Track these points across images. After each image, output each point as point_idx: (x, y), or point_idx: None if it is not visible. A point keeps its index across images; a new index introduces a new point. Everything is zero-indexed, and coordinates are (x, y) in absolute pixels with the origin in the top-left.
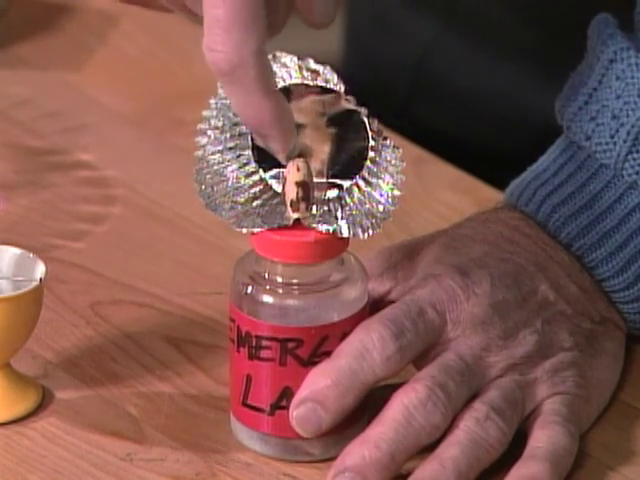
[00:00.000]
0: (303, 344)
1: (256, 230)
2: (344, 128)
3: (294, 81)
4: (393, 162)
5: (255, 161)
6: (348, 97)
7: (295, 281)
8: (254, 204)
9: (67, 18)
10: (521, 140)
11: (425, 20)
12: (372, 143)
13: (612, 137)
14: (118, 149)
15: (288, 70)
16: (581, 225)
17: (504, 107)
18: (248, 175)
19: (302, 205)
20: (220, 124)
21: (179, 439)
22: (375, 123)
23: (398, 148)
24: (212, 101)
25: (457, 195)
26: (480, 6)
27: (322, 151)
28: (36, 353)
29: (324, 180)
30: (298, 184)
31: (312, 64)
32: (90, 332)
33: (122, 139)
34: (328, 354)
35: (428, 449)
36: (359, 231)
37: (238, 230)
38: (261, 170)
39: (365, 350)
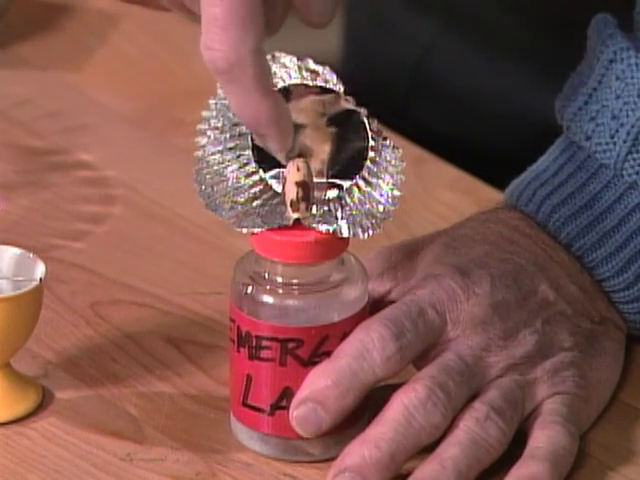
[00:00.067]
0: (303, 344)
1: (256, 230)
2: (344, 128)
3: (294, 81)
4: (393, 162)
5: (255, 161)
6: (348, 97)
7: (295, 281)
8: (254, 204)
9: (67, 18)
10: (521, 140)
11: (424, 20)
12: (372, 143)
13: (612, 137)
14: (118, 149)
15: (287, 70)
16: (581, 225)
17: (504, 107)
18: (248, 175)
19: (302, 205)
20: (220, 124)
21: (179, 439)
22: (375, 123)
23: (398, 148)
24: (212, 101)
25: (457, 195)
26: (479, 6)
27: (322, 151)
28: (36, 353)
29: (324, 180)
30: (298, 184)
31: (311, 64)
32: (90, 332)
33: (122, 139)
34: (328, 354)
35: (428, 449)
36: (359, 231)
37: (238, 230)
38: (261, 170)
39: (365, 350)
